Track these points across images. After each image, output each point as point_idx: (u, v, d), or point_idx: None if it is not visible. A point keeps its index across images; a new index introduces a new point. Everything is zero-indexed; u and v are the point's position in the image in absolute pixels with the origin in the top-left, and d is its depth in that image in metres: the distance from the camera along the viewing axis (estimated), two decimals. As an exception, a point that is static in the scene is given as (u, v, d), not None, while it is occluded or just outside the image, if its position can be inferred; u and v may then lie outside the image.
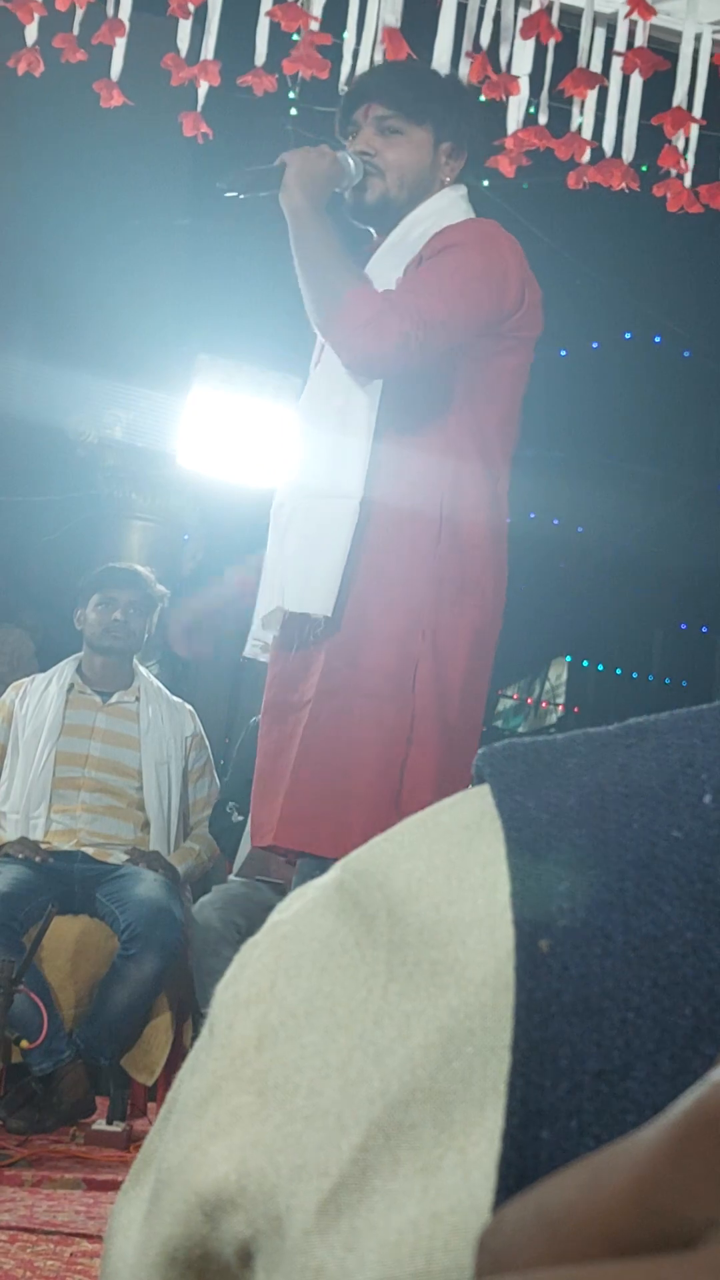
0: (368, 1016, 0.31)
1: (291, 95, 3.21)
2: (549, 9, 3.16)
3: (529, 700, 14.11)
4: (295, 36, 3.22)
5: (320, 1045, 0.31)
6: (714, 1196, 0.18)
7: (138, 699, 3.94)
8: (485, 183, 5.83)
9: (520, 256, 2.37)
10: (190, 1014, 3.63)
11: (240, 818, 3.84)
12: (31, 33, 3.26)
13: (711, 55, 3.24)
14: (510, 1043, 0.28)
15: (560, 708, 12.87)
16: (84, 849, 3.70)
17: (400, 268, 2.35)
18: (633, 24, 3.21)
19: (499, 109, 3.23)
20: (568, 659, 12.91)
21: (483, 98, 3.18)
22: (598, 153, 3.24)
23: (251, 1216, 0.31)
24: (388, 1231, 0.28)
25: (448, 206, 2.42)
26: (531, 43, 3.20)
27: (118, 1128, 3.46)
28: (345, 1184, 0.29)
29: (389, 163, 2.39)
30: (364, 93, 2.45)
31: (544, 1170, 0.26)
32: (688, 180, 3.24)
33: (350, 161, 2.37)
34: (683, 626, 13.59)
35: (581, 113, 3.24)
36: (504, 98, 3.19)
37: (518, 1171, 0.27)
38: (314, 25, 3.16)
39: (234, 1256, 0.32)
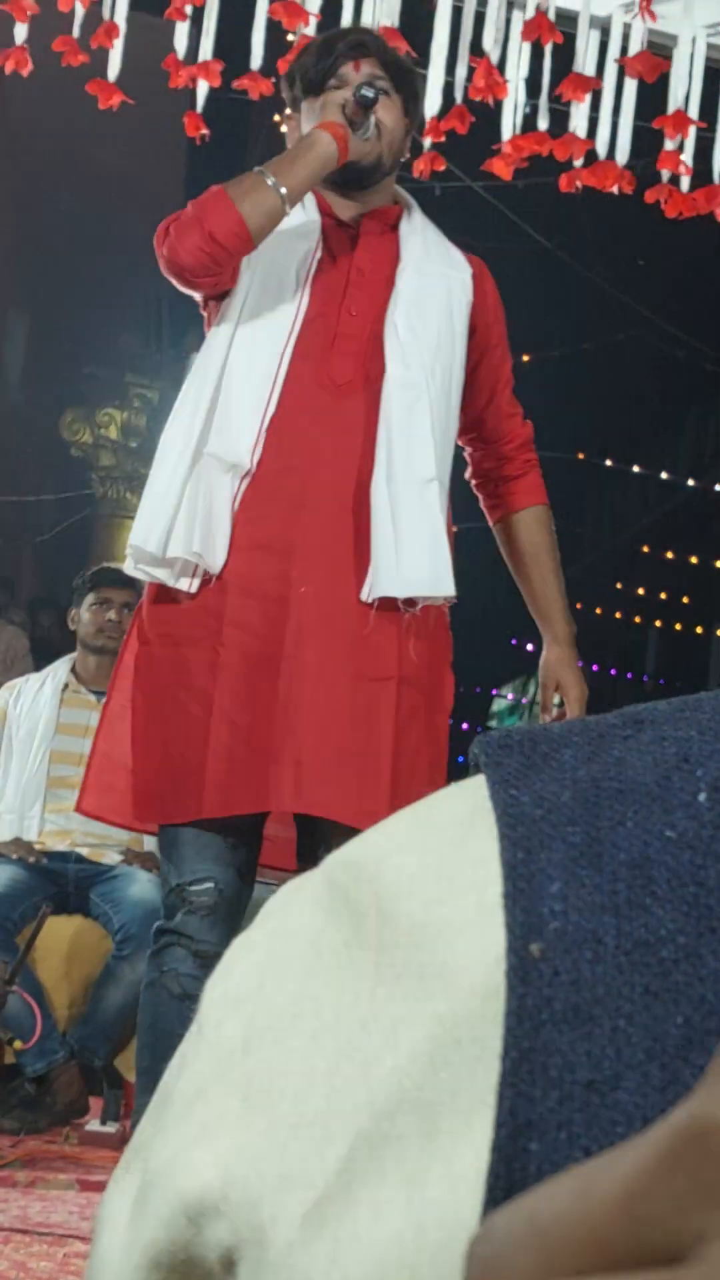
0: (355, 1022, 0.30)
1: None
2: (545, 11, 3.16)
3: (524, 700, 14.11)
4: (291, 37, 3.21)
5: (307, 1050, 0.31)
6: (702, 1209, 0.18)
7: (131, 699, 3.93)
8: (479, 185, 5.83)
9: None
10: (184, 1014, 3.62)
11: None
12: (22, 31, 3.25)
13: (706, 58, 3.25)
14: (499, 1051, 0.28)
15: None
16: (78, 849, 3.69)
17: (451, 271, 2.29)
18: (627, 27, 3.21)
19: (492, 112, 3.22)
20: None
21: (475, 99, 3.18)
22: (591, 154, 3.24)
23: (235, 1224, 0.31)
24: (372, 1244, 0.27)
25: (415, 208, 2.35)
26: (529, 46, 3.20)
27: (111, 1128, 3.46)
28: (330, 1195, 0.29)
29: (385, 126, 2.23)
30: (359, 46, 2.27)
31: (532, 1183, 0.26)
32: (684, 184, 3.24)
33: (374, 127, 2.22)
34: (677, 626, 13.60)
35: (577, 114, 3.24)
36: (491, 101, 3.18)
37: (505, 1184, 0.26)
38: (314, 23, 3.16)
39: (217, 1263, 0.32)
